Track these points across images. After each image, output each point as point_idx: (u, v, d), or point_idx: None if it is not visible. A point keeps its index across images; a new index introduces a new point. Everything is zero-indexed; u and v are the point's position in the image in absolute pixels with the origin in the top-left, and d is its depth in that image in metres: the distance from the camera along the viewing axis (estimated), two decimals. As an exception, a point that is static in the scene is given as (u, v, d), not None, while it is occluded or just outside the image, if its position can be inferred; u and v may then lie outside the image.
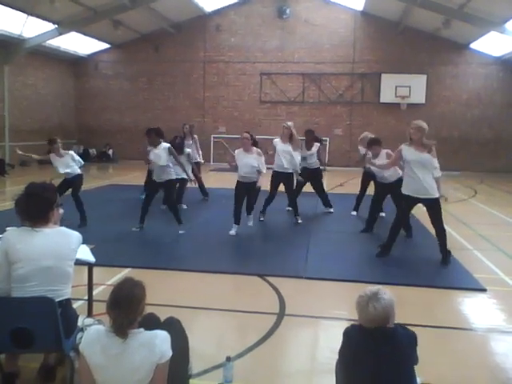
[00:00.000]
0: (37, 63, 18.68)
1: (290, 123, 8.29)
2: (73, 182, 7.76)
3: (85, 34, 18.62)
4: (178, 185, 8.54)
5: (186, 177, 8.29)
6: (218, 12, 19.97)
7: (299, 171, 8.49)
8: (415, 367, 2.47)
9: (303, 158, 8.83)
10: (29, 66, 18.23)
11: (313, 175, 9.11)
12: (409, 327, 2.54)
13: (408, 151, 6.01)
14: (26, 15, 15.44)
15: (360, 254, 6.69)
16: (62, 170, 7.68)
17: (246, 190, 7.47)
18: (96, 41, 19.89)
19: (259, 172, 7.38)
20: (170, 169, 7.40)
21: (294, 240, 7.47)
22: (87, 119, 21.43)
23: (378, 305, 2.36)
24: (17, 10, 14.87)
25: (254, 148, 7.40)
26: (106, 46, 20.72)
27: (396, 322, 2.47)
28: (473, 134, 19.20)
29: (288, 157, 8.12)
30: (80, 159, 8.00)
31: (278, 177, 8.29)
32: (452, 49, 18.90)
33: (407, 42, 18.89)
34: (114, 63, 21.21)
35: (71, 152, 7.94)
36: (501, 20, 15.03)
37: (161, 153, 7.25)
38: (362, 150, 8.41)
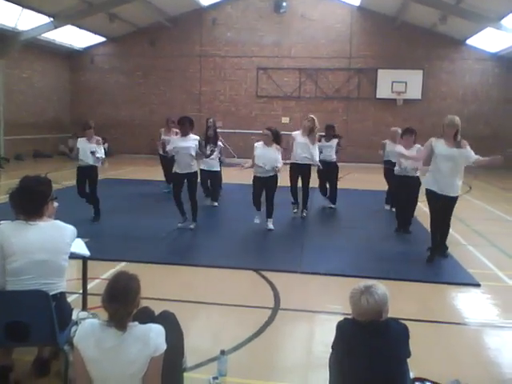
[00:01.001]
0: (32, 57, 18.53)
1: (312, 116, 8.35)
2: (88, 173, 7.70)
3: (80, 27, 18.46)
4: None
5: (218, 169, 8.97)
6: (214, 6, 19.83)
7: (320, 165, 8.51)
8: (408, 361, 2.49)
9: (320, 151, 8.79)
10: (24, 60, 18.07)
11: (329, 167, 9.09)
12: (403, 321, 2.56)
13: (438, 143, 5.94)
14: (20, 8, 15.30)
15: (356, 248, 6.70)
16: (82, 155, 7.61)
17: (263, 185, 7.52)
18: (91, 34, 19.74)
19: (275, 169, 7.37)
20: (194, 160, 7.36)
21: (290, 234, 7.48)
22: (83, 113, 21.24)
23: (371, 298, 2.37)
24: (11, 2, 14.72)
25: (274, 144, 7.44)
26: (101, 39, 20.56)
27: (390, 316, 2.48)
28: (469, 130, 18.98)
29: (306, 149, 8.17)
30: (101, 154, 7.80)
31: (297, 169, 8.30)
32: (448, 44, 18.87)
33: (404, 38, 18.84)
34: (110, 57, 21.06)
35: (101, 143, 7.87)
36: (497, 16, 15.02)
37: (191, 144, 7.17)
38: (390, 144, 8.71)
